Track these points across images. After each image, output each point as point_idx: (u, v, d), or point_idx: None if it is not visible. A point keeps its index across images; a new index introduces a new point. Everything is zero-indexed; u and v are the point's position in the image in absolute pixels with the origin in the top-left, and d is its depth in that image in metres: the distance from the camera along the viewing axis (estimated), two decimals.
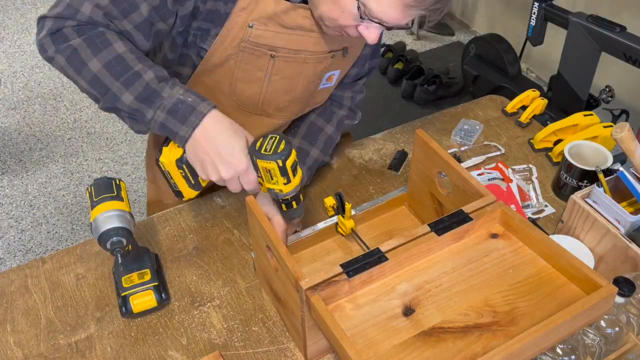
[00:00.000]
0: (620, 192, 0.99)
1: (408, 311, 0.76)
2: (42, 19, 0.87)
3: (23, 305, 0.99)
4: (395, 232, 1.06)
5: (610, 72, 2.31)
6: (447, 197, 0.96)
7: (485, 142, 1.30)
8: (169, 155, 0.90)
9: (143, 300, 0.94)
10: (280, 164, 0.84)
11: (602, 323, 0.80)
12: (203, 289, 1.01)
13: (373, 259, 0.79)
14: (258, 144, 0.84)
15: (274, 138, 0.85)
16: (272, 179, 0.86)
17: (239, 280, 1.02)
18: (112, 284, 1.01)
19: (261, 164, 0.84)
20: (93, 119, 2.86)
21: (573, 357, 0.75)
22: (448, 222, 0.84)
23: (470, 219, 0.84)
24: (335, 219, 1.02)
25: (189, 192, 0.95)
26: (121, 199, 0.91)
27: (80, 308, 0.98)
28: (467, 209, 0.85)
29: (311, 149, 1.15)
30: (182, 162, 0.90)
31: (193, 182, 0.93)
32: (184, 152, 0.88)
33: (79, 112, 2.91)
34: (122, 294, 0.95)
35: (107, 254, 1.04)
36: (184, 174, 0.92)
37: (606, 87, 2.21)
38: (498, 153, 1.27)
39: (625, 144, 0.95)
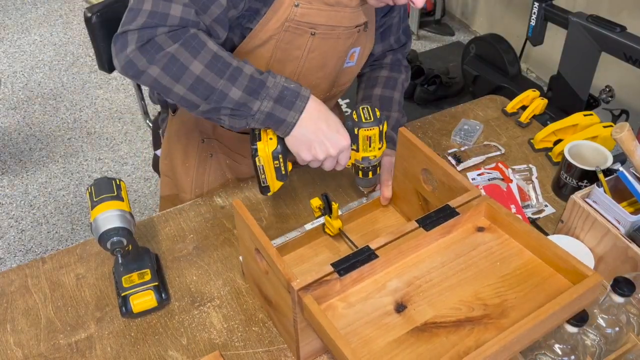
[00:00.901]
0: (620, 192, 0.99)
1: (400, 307, 0.77)
2: (122, 36, 0.84)
3: (23, 305, 0.99)
4: (382, 231, 1.07)
5: (610, 72, 2.31)
6: (433, 193, 0.97)
7: (485, 142, 1.30)
8: (265, 149, 0.93)
9: (143, 300, 0.94)
10: (382, 128, 0.93)
11: (602, 323, 0.80)
12: (203, 289, 1.01)
13: (363, 256, 0.79)
14: (354, 116, 0.93)
15: (365, 108, 0.93)
16: (370, 145, 0.94)
17: (239, 280, 1.02)
18: (112, 284, 1.01)
19: (363, 132, 0.92)
20: (93, 119, 2.86)
21: (573, 357, 0.75)
22: (435, 217, 0.84)
23: (457, 214, 0.85)
24: (322, 219, 1.02)
25: (276, 185, 0.99)
26: (121, 199, 0.91)
27: (80, 308, 0.98)
28: (453, 203, 0.86)
29: (391, 113, 1.19)
30: (278, 152, 0.94)
31: (283, 172, 0.97)
32: (278, 143, 0.93)
33: (79, 112, 2.92)
34: (122, 294, 0.95)
35: (107, 254, 1.04)
36: (277, 165, 0.96)
37: (606, 87, 2.21)
38: (498, 153, 1.27)
39: (625, 144, 0.95)
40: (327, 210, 0.99)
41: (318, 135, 0.91)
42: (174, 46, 0.84)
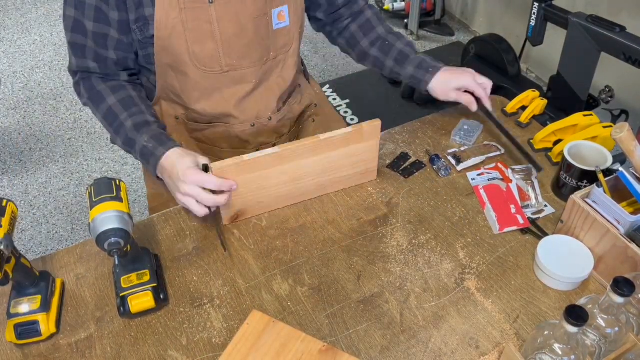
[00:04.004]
0: (620, 192, 0.99)
1: None
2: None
3: None
4: None
5: (610, 72, 2.31)
6: None
7: (485, 142, 1.30)
8: None
9: (141, 300, 0.94)
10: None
11: (602, 323, 0.80)
12: (203, 289, 1.01)
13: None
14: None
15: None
16: None
17: (239, 280, 1.02)
18: (112, 284, 1.01)
19: None
20: (93, 119, 2.86)
21: (573, 357, 0.75)
22: None
23: None
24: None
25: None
26: (120, 200, 0.91)
27: (80, 308, 0.98)
28: None
29: (397, 47, 1.27)
30: None
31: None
32: None
33: (79, 112, 2.92)
34: (121, 295, 0.95)
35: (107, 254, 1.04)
36: None
37: (606, 87, 2.21)
38: (498, 153, 1.27)
39: (624, 144, 0.95)
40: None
41: (172, 189, 1.05)
42: (85, 97, 1.13)
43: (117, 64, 1.10)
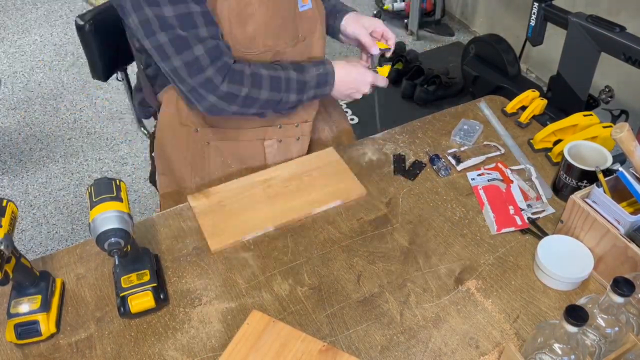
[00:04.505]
0: (620, 192, 0.99)
1: None
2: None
3: None
4: None
5: (609, 72, 2.31)
6: None
7: (485, 142, 1.30)
8: None
9: (141, 300, 0.94)
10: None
11: (602, 323, 0.80)
12: (203, 289, 1.01)
13: None
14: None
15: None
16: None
17: (239, 280, 1.02)
18: (112, 284, 1.01)
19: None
20: (93, 119, 2.86)
21: (573, 357, 0.75)
22: None
23: None
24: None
25: None
26: (120, 200, 0.91)
27: (80, 308, 0.98)
28: None
29: None
30: None
31: None
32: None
33: (79, 112, 2.91)
34: (121, 295, 0.95)
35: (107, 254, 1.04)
36: None
37: (606, 87, 2.21)
38: (498, 153, 1.27)
39: (624, 144, 0.95)
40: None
41: (351, 87, 1.22)
42: (243, 90, 1.11)
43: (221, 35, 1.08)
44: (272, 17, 1.10)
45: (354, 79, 1.21)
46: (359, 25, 1.30)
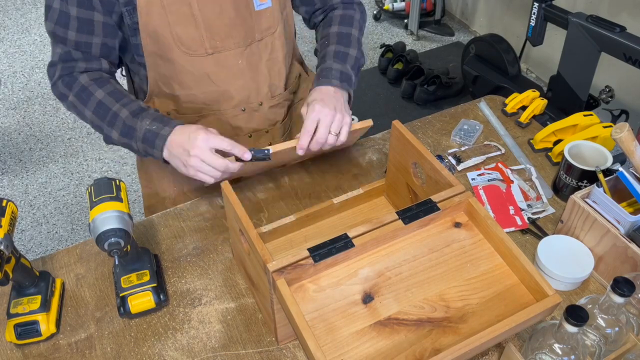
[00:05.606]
0: (620, 192, 0.99)
1: (367, 299, 0.79)
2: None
3: None
4: (368, 221, 1.08)
5: (610, 72, 2.31)
6: (421, 187, 0.98)
7: (485, 142, 1.30)
8: None
9: (141, 301, 0.94)
10: None
11: (602, 323, 0.80)
12: (203, 289, 1.01)
13: (340, 244, 0.80)
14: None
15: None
16: None
17: (239, 280, 1.02)
18: (112, 284, 1.01)
19: None
20: None
21: (573, 357, 0.75)
22: (416, 210, 0.86)
23: (438, 209, 0.86)
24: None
25: None
26: (120, 200, 0.91)
27: (80, 308, 0.98)
28: (435, 198, 0.87)
29: (349, 49, 1.20)
30: None
31: None
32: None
33: None
34: (121, 295, 0.95)
35: (107, 254, 1.04)
36: None
37: (606, 87, 2.21)
38: (498, 153, 1.27)
39: (624, 144, 0.95)
40: None
41: (181, 160, 1.00)
42: (69, 96, 1.08)
43: (101, 50, 1.08)
44: (217, 17, 1.08)
45: (187, 137, 0.98)
46: (313, 109, 1.05)
